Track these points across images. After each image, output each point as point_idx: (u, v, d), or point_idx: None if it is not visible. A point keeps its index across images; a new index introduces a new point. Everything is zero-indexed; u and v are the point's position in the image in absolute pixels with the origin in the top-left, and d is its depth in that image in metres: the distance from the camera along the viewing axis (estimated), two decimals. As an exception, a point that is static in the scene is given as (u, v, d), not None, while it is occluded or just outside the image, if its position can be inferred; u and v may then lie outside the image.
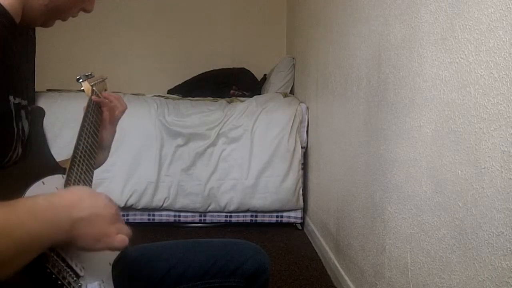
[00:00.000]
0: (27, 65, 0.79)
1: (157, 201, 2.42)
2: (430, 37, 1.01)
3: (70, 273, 0.60)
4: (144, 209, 2.46)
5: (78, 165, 0.76)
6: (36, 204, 0.55)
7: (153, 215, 2.49)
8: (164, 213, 2.50)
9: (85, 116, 0.92)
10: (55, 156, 0.79)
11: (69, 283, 0.59)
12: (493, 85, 0.78)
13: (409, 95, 1.12)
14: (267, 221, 2.53)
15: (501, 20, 0.76)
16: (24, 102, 0.71)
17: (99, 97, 1.01)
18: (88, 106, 0.95)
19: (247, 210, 2.49)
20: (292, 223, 2.56)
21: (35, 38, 2.23)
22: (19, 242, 0.50)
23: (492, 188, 0.77)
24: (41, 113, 0.84)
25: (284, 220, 2.54)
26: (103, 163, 1.04)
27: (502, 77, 0.75)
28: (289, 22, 3.65)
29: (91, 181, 0.79)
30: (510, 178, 0.73)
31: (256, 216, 2.52)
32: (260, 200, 2.45)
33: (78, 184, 0.72)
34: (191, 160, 2.43)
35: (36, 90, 2.37)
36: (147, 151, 2.42)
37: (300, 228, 2.55)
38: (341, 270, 1.74)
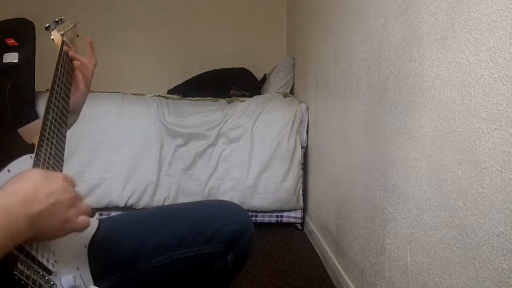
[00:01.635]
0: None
1: (157, 201, 2.42)
2: (430, 37, 1.01)
3: (41, 273, 0.58)
4: (144, 209, 2.45)
5: (48, 139, 0.71)
6: None
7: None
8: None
9: (55, 75, 0.82)
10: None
11: (40, 285, 0.56)
12: (493, 85, 0.78)
13: (409, 95, 1.12)
14: (267, 221, 2.53)
15: (501, 20, 0.76)
16: None
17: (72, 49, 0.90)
18: (58, 62, 0.85)
19: (247, 210, 2.48)
20: (292, 223, 2.56)
21: (35, 38, 2.23)
22: None
23: (492, 188, 0.77)
24: (1, 82, 0.75)
25: (284, 220, 2.54)
26: (73, 124, 0.96)
27: (502, 77, 0.75)
28: (289, 22, 3.65)
29: (63, 156, 0.73)
30: (510, 178, 0.73)
31: (256, 216, 2.52)
32: (260, 200, 2.45)
33: (47, 166, 0.67)
34: (191, 160, 2.44)
35: (36, 90, 2.37)
36: (147, 151, 2.42)
37: (300, 228, 2.55)
38: (341, 270, 1.74)
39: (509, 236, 0.73)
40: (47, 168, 0.67)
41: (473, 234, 0.83)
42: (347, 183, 1.68)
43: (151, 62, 3.82)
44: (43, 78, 2.57)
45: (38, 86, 2.38)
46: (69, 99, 0.84)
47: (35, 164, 0.65)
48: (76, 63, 0.92)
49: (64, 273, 0.63)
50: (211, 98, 2.83)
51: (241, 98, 2.77)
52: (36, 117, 2.31)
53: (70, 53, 0.91)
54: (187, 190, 2.44)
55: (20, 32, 2.17)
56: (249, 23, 3.87)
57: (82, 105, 0.96)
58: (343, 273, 1.71)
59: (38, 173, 0.60)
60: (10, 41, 2.14)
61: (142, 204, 2.41)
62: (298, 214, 2.54)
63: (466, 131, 0.86)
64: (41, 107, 2.34)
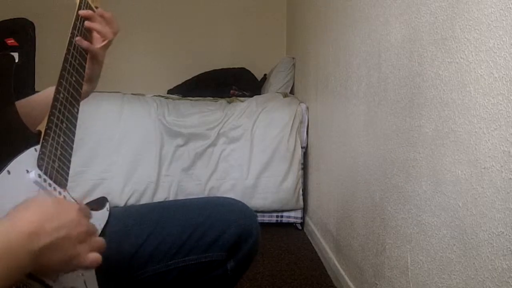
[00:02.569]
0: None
1: (157, 201, 2.42)
2: (430, 37, 1.01)
3: None
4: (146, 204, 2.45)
5: (57, 125, 0.63)
6: None
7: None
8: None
9: (70, 42, 0.73)
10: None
11: None
12: (493, 85, 0.78)
13: (409, 95, 1.12)
14: (267, 221, 2.53)
15: (501, 20, 0.76)
16: None
17: (92, 9, 0.80)
18: (75, 25, 0.75)
19: (247, 210, 2.48)
20: (292, 223, 2.56)
21: (35, 38, 2.23)
22: None
23: (492, 188, 0.77)
24: (6, 65, 0.67)
25: (284, 220, 2.54)
26: (90, 94, 0.87)
27: (502, 77, 0.75)
28: (289, 22, 3.65)
29: (72, 143, 0.66)
30: (510, 178, 0.73)
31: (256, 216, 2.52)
32: (260, 200, 2.45)
33: (54, 159, 0.61)
34: (191, 160, 2.43)
35: (36, 90, 2.37)
36: (147, 151, 2.42)
37: (300, 228, 2.55)
38: (341, 270, 1.74)
39: (509, 236, 0.73)
40: (53, 161, 0.61)
41: (473, 234, 0.83)
42: (347, 183, 1.68)
43: (151, 62, 3.82)
44: (43, 78, 2.58)
45: (38, 86, 2.39)
46: (84, 70, 0.75)
47: (40, 159, 0.59)
48: (94, 24, 0.81)
49: (66, 282, 0.58)
50: (211, 98, 2.83)
51: (241, 98, 2.77)
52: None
53: (86, 15, 0.80)
54: (187, 190, 2.44)
55: (20, 32, 2.18)
56: (249, 23, 3.87)
57: (98, 75, 0.86)
58: (343, 273, 1.71)
59: (51, 202, 0.55)
60: (10, 41, 2.14)
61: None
62: (298, 214, 2.54)
63: (466, 131, 0.86)
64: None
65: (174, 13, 3.83)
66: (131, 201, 2.39)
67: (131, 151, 2.40)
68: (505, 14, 0.75)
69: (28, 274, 0.52)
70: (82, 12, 0.79)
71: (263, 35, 3.86)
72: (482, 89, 0.81)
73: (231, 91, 3.27)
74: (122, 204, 2.39)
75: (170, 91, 3.47)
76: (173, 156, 2.43)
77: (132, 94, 2.67)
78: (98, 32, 0.83)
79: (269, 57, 3.60)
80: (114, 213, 0.76)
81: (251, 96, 2.93)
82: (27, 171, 0.57)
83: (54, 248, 0.51)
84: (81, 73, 0.72)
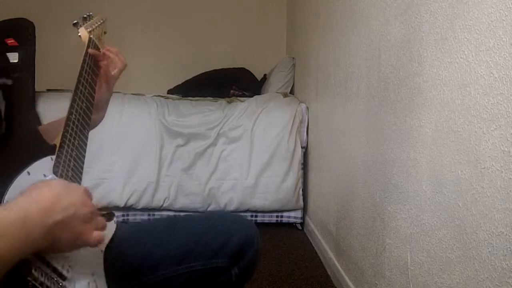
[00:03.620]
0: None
1: (157, 201, 2.42)
2: (430, 37, 1.01)
3: (55, 279, 0.57)
4: (144, 209, 2.46)
5: (70, 140, 0.70)
6: (6, 222, 0.50)
7: (153, 215, 2.49)
8: (164, 213, 2.50)
9: (80, 74, 0.82)
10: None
11: None
12: (493, 85, 0.78)
13: (409, 95, 1.12)
14: (267, 221, 2.53)
15: (501, 20, 0.76)
16: (0, 81, 0.67)
17: (98, 49, 0.89)
18: (84, 60, 0.85)
19: (247, 210, 2.49)
20: (292, 223, 2.56)
21: (35, 37, 2.23)
22: None
23: (492, 188, 0.77)
24: (25, 83, 0.76)
25: (284, 220, 2.54)
26: (100, 122, 0.95)
27: (502, 77, 0.75)
28: (289, 22, 3.65)
29: (84, 158, 0.73)
30: (510, 178, 0.73)
31: (256, 216, 2.52)
32: (260, 200, 2.45)
33: (67, 169, 0.67)
34: (191, 160, 2.44)
35: (36, 90, 2.37)
36: (147, 151, 2.42)
37: (300, 228, 2.55)
38: (341, 270, 1.74)
39: (509, 236, 0.73)
40: (67, 170, 0.68)
41: (473, 234, 0.83)
42: (347, 183, 1.68)
43: (151, 62, 3.82)
44: (43, 78, 2.58)
45: (38, 86, 2.38)
46: (93, 99, 0.83)
47: (55, 167, 0.65)
48: (103, 62, 0.90)
49: (79, 279, 0.62)
50: (211, 98, 2.83)
51: (241, 98, 2.77)
52: (36, 117, 2.31)
53: (94, 53, 0.89)
54: (187, 190, 2.44)
55: (20, 32, 2.17)
56: (249, 23, 3.87)
57: (107, 103, 0.94)
58: (343, 273, 1.71)
59: (60, 183, 0.60)
60: (10, 41, 2.13)
61: (142, 204, 2.41)
62: (298, 214, 2.54)
63: (466, 131, 0.86)
64: (41, 107, 2.34)
65: (174, 13, 3.83)
66: (131, 201, 2.39)
67: (131, 151, 2.40)
68: (505, 14, 0.75)
69: (46, 262, 0.56)
70: (91, 50, 0.88)
71: (263, 35, 3.86)
72: (482, 89, 0.81)
73: (231, 91, 3.27)
74: (122, 204, 2.39)
75: (170, 91, 3.47)
76: (173, 156, 2.43)
77: (132, 94, 2.67)
78: (106, 67, 0.92)
79: (269, 57, 3.60)
80: (122, 225, 0.83)
81: (251, 96, 2.93)
82: (44, 175, 0.63)
83: (64, 225, 0.56)
84: (90, 101, 0.81)
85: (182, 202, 2.44)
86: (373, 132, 1.38)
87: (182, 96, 2.94)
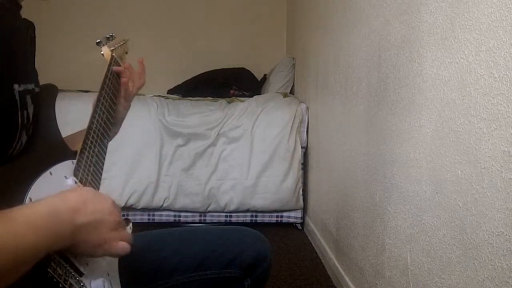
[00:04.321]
0: (30, 47, 0.79)
1: (157, 201, 2.42)
2: (430, 37, 1.01)
3: (72, 273, 0.59)
4: (144, 209, 2.46)
5: (90, 147, 0.74)
6: (36, 215, 0.52)
7: (153, 215, 2.49)
8: (164, 213, 2.50)
9: (102, 88, 0.87)
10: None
11: (71, 285, 0.58)
12: (493, 85, 0.78)
13: (409, 95, 1.12)
14: (267, 221, 2.53)
15: (501, 20, 0.76)
16: (30, 86, 0.69)
17: (120, 65, 0.95)
18: (106, 76, 0.90)
19: (247, 210, 2.49)
20: (292, 223, 2.56)
21: (35, 37, 2.23)
22: (16, 256, 0.48)
23: (492, 188, 0.77)
24: (52, 92, 0.80)
25: (284, 220, 2.54)
26: (114, 136, 1.00)
27: (502, 77, 0.75)
28: (289, 22, 3.65)
29: (103, 165, 0.77)
30: (510, 178, 0.73)
31: (256, 216, 2.52)
32: (260, 200, 2.45)
33: (87, 173, 0.70)
34: (191, 160, 2.44)
35: (36, 90, 2.37)
36: (147, 151, 2.42)
37: (300, 228, 2.55)
38: (341, 270, 1.74)
39: (509, 236, 0.73)
40: (87, 175, 0.70)
41: (473, 234, 0.83)
42: (347, 183, 1.68)
43: (151, 62, 3.79)
44: (43, 78, 2.57)
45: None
46: (113, 112, 0.87)
47: (76, 170, 0.68)
48: (123, 79, 0.96)
49: (95, 277, 0.64)
50: (211, 98, 2.83)
51: (241, 98, 2.77)
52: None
53: (117, 70, 0.95)
54: (187, 190, 2.44)
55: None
56: (249, 23, 3.87)
57: (123, 118, 1.00)
58: (343, 273, 1.71)
59: (89, 190, 0.63)
60: (10, 41, 2.13)
61: (142, 204, 2.41)
62: (298, 214, 2.54)
63: (466, 131, 0.86)
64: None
65: (174, 13, 3.83)
66: (131, 201, 2.39)
67: (131, 151, 2.40)
68: (505, 14, 0.75)
69: (64, 257, 0.58)
70: (115, 68, 0.94)
71: (263, 35, 3.86)
72: (482, 89, 0.81)
73: (231, 91, 3.27)
74: (122, 204, 2.39)
75: (170, 91, 3.47)
76: (173, 156, 2.43)
77: (132, 94, 2.67)
78: (125, 84, 0.97)
79: (269, 57, 3.59)
80: (139, 232, 0.85)
81: (251, 96, 2.93)
82: (66, 177, 0.66)
83: (91, 227, 0.58)
84: (110, 113, 0.86)
85: (182, 202, 2.44)
86: (373, 132, 1.38)
87: (182, 96, 2.94)
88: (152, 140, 2.42)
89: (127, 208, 2.43)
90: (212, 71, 3.61)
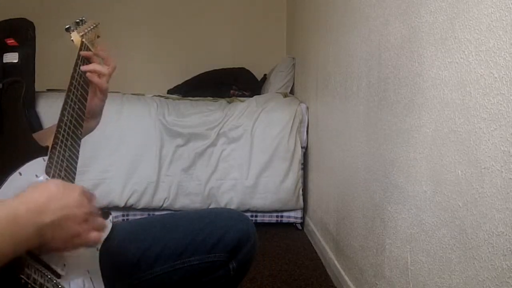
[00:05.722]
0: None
1: (157, 201, 2.42)
2: (430, 37, 1.01)
3: (49, 277, 0.57)
4: (144, 209, 2.46)
5: (62, 141, 0.71)
6: None
7: (153, 215, 2.49)
8: (164, 213, 2.50)
9: (73, 77, 0.82)
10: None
11: None
12: (493, 85, 0.78)
13: (409, 95, 1.12)
14: (267, 221, 2.53)
15: (501, 20, 0.76)
16: None
17: (91, 50, 0.89)
18: (77, 63, 0.85)
19: (247, 210, 2.49)
20: (292, 223, 2.56)
21: (35, 37, 2.23)
22: None
23: (492, 188, 0.77)
24: (17, 88, 0.77)
25: (284, 220, 2.54)
26: (94, 128, 0.95)
27: (502, 77, 0.75)
28: (289, 22, 3.65)
29: (77, 159, 0.73)
30: (510, 178, 0.73)
31: (256, 216, 2.52)
32: (260, 200, 2.45)
33: (60, 169, 0.67)
34: (191, 160, 2.44)
35: (36, 90, 2.37)
36: (147, 151, 2.42)
37: (300, 228, 2.55)
38: (341, 270, 1.74)
39: (509, 236, 0.73)
40: (60, 171, 0.68)
41: (473, 234, 0.83)
42: (347, 183, 1.68)
43: (151, 62, 3.82)
44: (43, 78, 2.58)
45: (38, 86, 2.38)
46: (86, 101, 0.83)
47: (48, 167, 0.66)
48: (88, 67, 0.90)
49: (74, 277, 0.62)
50: (211, 98, 2.83)
51: (241, 98, 2.77)
52: (36, 117, 2.31)
53: (86, 55, 0.90)
54: (187, 190, 2.44)
55: (20, 32, 2.17)
56: (249, 23, 3.87)
57: (100, 110, 0.94)
58: (343, 273, 1.71)
59: (56, 184, 0.60)
60: (10, 41, 2.13)
61: (142, 204, 2.41)
62: (298, 214, 2.54)
63: (466, 131, 0.86)
64: (41, 107, 2.34)
65: (174, 13, 3.83)
66: (131, 201, 2.39)
67: (131, 151, 2.40)
68: (505, 14, 0.75)
69: (39, 260, 0.56)
70: (83, 52, 0.89)
71: (263, 35, 3.86)
72: (482, 89, 0.81)
73: (231, 91, 3.27)
74: (122, 204, 2.39)
75: (170, 91, 3.47)
76: (173, 156, 2.43)
77: (132, 94, 2.67)
78: (96, 71, 0.90)
79: (269, 57, 3.59)
80: (118, 224, 0.83)
81: (251, 96, 2.93)
82: (36, 176, 0.63)
83: (58, 225, 0.56)
84: (83, 102, 0.82)
85: (182, 202, 2.44)
86: (373, 132, 1.38)
87: (182, 96, 2.94)
88: (152, 140, 2.42)
89: (127, 208, 2.43)
90: (212, 71, 3.61)
